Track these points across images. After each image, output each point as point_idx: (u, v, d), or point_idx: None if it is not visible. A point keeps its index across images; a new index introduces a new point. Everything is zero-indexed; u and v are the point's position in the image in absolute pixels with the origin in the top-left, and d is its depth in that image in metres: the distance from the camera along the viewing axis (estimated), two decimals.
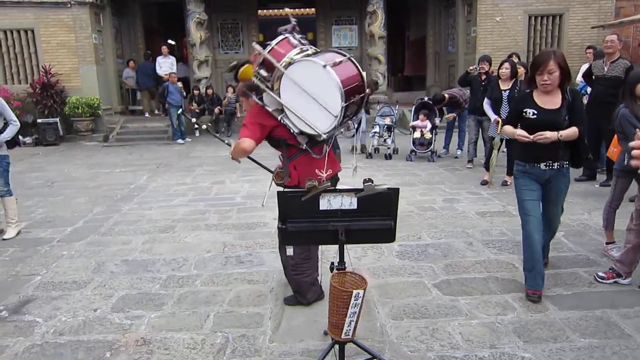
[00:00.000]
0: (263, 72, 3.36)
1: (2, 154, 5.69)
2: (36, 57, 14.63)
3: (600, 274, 4.13)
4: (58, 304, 4.03)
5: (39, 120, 13.83)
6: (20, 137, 13.59)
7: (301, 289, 3.82)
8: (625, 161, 4.25)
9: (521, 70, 8.25)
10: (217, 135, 4.21)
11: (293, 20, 3.51)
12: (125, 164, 10.79)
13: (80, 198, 7.66)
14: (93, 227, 6.08)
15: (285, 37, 3.44)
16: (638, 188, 4.15)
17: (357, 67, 3.44)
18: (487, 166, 7.69)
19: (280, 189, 3.44)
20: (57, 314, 3.85)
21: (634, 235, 4.03)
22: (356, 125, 3.78)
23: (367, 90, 3.54)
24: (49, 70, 14.15)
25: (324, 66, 3.12)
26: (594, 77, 7.46)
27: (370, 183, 2.64)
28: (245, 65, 3.53)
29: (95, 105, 14.32)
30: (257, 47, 3.39)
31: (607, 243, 4.73)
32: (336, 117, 3.18)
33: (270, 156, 3.82)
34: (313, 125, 3.27)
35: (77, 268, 4.80)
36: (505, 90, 7.37)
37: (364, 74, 3.45)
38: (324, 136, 3.30)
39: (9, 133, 5.61)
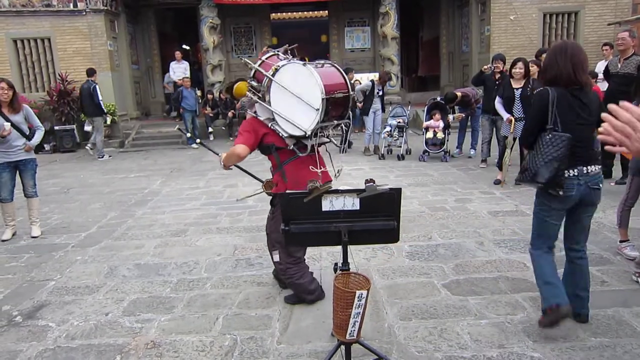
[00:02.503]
0: (254, 83, 3.67)
1: (32, 157, 6.08)
2: (53, 65, 14.87)
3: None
4: (71, 309, 4.08)
5: (56, 128, 14.03)
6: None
7: (298, 291, 3.89)
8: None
9: (534, 69, 8.18)
10: (209, 147, 4.52)
11: (286, 46, 3.80)
12: (140, 169, 10.91)
13: (95, 204, 7.75)
14: (107, 232, 6.15)
15: (276, 54, 3.76)
16: None
17: (340, 72, 3.64)
18: (500, 165, 7.63)
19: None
20: (69, 319, 3.91)
21: None
22: (347, 129, 3.99)
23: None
24: (66, 78, 14.35)
25: (304, 64, 3.43)
26: (610, 74, 7.38)
27: (372, 183, 2.64)
28: (239, 82, 3.81)
29: (111, 111, 14.45)
30: (248, 61, 3.79)
31: (620, 241, 4.65)
32: (317, 109, 3.34)
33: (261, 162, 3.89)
34: (298, 124, 3.46)
35: (90, 273, 4.87)
36: (517, 89, 7.31)
37: (348, 79, 3.64)
38: (308, 132, 3.45)
39: (37, 138, 6.08)
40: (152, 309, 4.00)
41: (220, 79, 15.82)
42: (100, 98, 12.37)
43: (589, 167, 3.19)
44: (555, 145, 3.13)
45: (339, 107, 3.60)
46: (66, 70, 14.49)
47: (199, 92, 14.92)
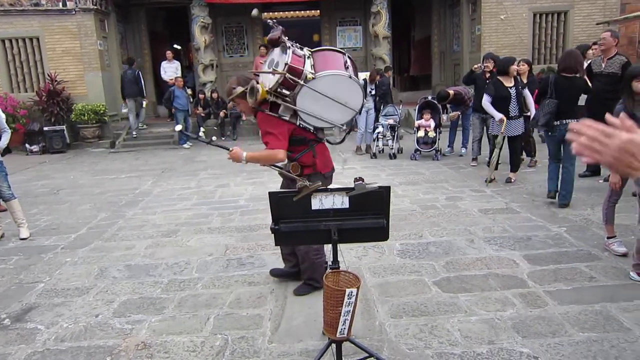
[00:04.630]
0: (285, 92, 3.51)
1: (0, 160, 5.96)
2: (42, 65, 14.69)
3: (633, 275, 4.01)
4: (60, 311, 4.05)
5: (45, 128, 13.84)
6: (27, 145, 13.80)
7: (320, 272, 3.95)
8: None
9: (525, 67, 8.22)
10: (217, 143, 4.14)
11: (280, 27, 3.54)
12: (131, 169, 10.85)
13: (85, 205, 7.70)
14: (97, 234, 6.11)
15: (290, 47, 3.51)
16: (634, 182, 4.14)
17: (352, 61, 3.71)
18: (492, 164, 7.64)
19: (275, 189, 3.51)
20: (58, 321, 3.88)
21: None
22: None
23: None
24: (55, 78, 14.20)
25: (350, 77, 3.49)
26: (594, 73, 7.42)
27: (361, 182, 2.65)
28: (260, 89, 3.50)
29: (101, 111, 14.37)
30: (278, 70, 3.42)
31: (608, 237, 4.68)
32: (357, 112, 3.66)
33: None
34: (331, 121, 3.61)
35: (80, 274, 4.83)
36: (511, 88, 7.30)
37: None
38: (344, 127, 3.67)
39: (5, 140, 6.01)
40: (143, 310, 3.98)
41: (211, 78, 15.76)
42: (143, 82, 14.33)
43: (567, 120, 5.80)
44: (549, 106, 5.90)
45: None
46: (55, 70, 14.34)
47: (189, 91, 14.88)
